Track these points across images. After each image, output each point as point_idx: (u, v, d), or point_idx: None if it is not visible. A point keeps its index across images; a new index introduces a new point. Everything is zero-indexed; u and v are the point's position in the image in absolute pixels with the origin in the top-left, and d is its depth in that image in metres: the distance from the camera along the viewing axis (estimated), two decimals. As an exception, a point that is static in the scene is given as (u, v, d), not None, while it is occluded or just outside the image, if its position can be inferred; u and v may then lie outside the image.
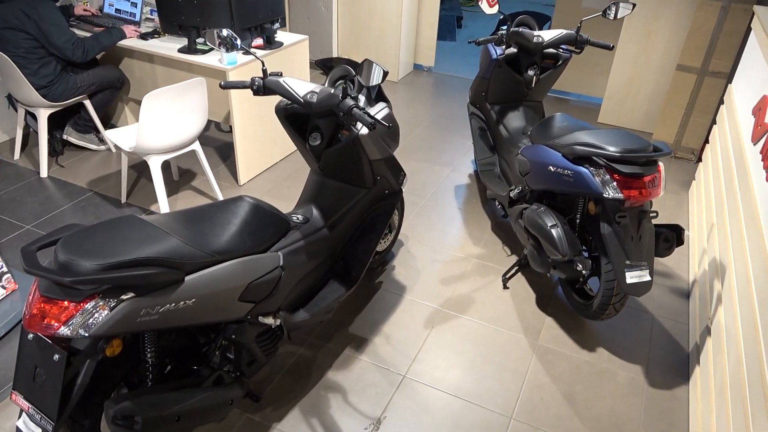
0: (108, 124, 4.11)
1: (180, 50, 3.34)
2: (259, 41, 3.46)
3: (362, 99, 2.21)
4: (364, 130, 2.10)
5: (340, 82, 2.24)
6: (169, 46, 3.42)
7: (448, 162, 3.93)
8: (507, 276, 2.85)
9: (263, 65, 2.08)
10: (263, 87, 2.09)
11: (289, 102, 2.20)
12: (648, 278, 2.21)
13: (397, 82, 5.28)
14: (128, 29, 3.50)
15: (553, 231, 2.35)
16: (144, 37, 3.51)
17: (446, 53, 6.07)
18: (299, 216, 2.23)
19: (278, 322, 1.98)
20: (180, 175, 3.62)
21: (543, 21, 2.98)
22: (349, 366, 2.34)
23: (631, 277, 2.19)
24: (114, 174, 3.58)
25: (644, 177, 2.14)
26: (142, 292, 1.49)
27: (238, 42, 2.10)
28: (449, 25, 6.43)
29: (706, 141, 4.06)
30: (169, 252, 1.56)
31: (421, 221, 3.27)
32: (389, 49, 5.13)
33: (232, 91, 3.20)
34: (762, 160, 2.20)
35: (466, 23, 7.18)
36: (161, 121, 2.81)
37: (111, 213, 3.19)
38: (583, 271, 2.40)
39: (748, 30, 3.66)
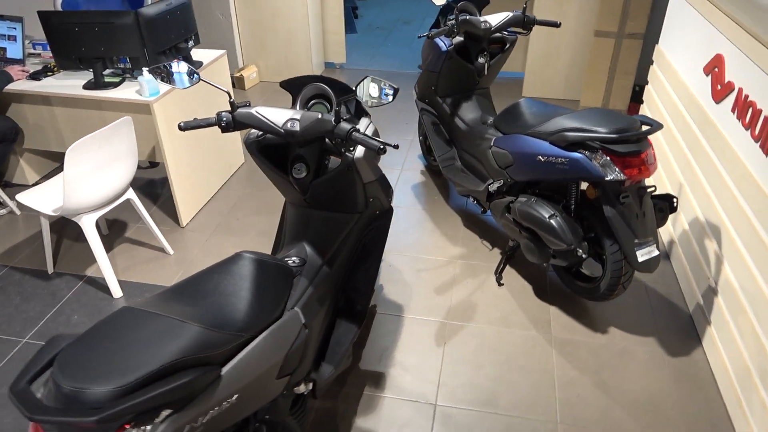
0: (1, 182, 3.52)
1: (86, 86, 2.88)
2: (176, 64, 3.08)
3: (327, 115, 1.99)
4: (359, 153, 1.89)
5: (312, 102, 2.00)
6: (69, 83, 2.95)
7: (396, 162, 3.77)
8: (499, 272, 2.77)
9: (230, 97, 1.80)
10: (233, 122, 1.80)
11: (261, 133, 1.93)
12: (656, 252, 2.20)
13: (313, 84, 5.01)
14: (13, 70, 2.98)
15: (553, 221, 2.28)
16: (35, 76, 3.00)
17: (351, 47, 5.87)
18: (294, 259, 1.98)
19: (310, 386, 1.74)
20: (109, 227, 3.17)
21: (481, 5, 2.89)
22: (375, 407, 2.14)
23: (642, 255, 2.17)
24: (27, 240, 3.06)
25: (641, 154, 2.11)
26: (180, 405, 1.21)
27: (196, 74, 1.79)
28: (347, 17, 6.22)
29: (632, 100, 4.22)
30: (194, 346, 1.28)
31: (391, 230, 3.10)
32: (300, 51, 4.85)
33: (159, 123, 2.82)
34: (737, 118, 2.25)
35: (362, 12, 7.01)
36: (90, 173, 2.40)
37: (40, 288, 2.72)
38: (583, 256, 2.36)
39: (658, -10, 3.81)
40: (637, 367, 2.30)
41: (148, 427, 1.16)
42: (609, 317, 2.53)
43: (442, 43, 2.87)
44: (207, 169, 3.32)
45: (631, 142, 2.12)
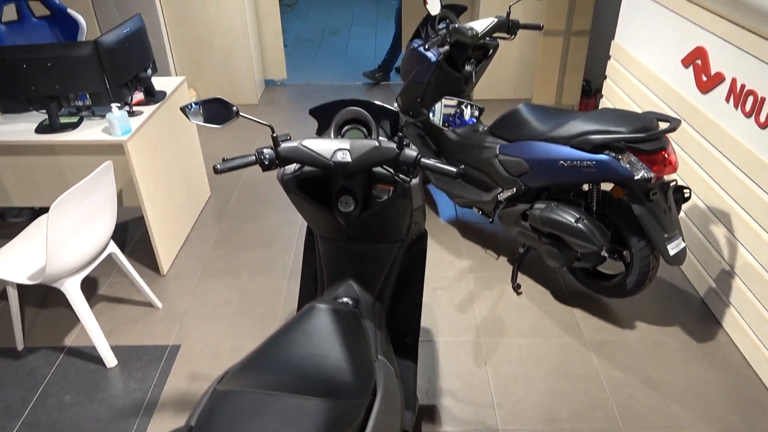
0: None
1: (39, 130, 2.52)
2: (139, 96, 2.78)
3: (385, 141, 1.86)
4: (416, 179, 1.76)
5: (347, 127, 1.86)
6: (15, 128, 2.56)
7: (370, 177, 3.64)
8: (515, 282, 2.73)
9: (273, 131, 1.61)
10: (277, 157, 1.62)
11: (297, 168, 1.76)
12: (683, 244, 2.25)
13: (258, 104, 4.76)
14: (-59, 119, 2.55)
15: (581, 225, 2.28)
16: (-30, 124, 2.58)
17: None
18: (346, 300, 1.82)
19: (404, 438, 1.60)
20: (76, 287, 2.79)
21: (458, 12, 2.86)
22: (440, 444, 2.03)
23: (672, 249, 2.22)
24: (-22, 314, 2.63)
25: (665, 150, 2.15)
26: None
27: (235, 109, 1.60)
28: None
29: (583, 95, 4.37)
30: (330, 426, 1.11)
31: (391, 250, 2.98)
32: (241, 70, 4.58)
33: (135, 164, 2.52)
34: (735, 107, 2.36)
35: (284, 26, 6.78)
36: (74, 230, 2.09)
37: (12, 369, 2.33)
38: (606, 255, 2.39)
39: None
40: (673, 358, 2.34)
41: None
42: (631, 312, 2.57)
43: (431, 53, 2.79)
44: (179, 208, 3.02)
45: (653, 139, 2.16)
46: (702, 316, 2.54)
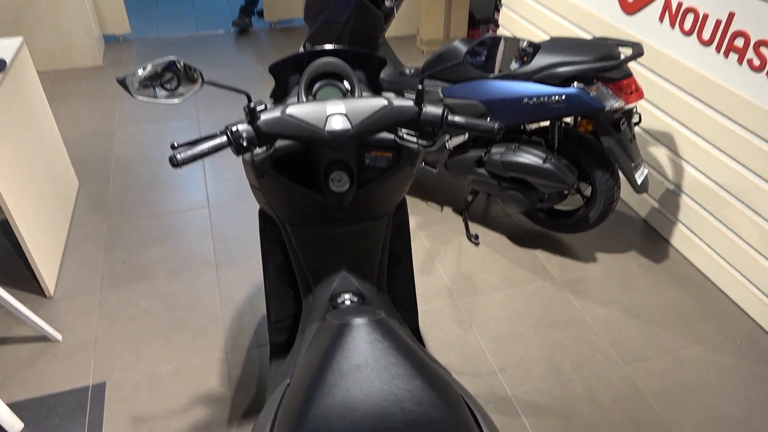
0: None
1: None
2: (-30, 67, 2.03)
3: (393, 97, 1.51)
4: (423, 141, 1.44)
5: (320, 83, 1.47)
6: None
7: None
8: (470, 233, 2.55)
9: (249, 100, 1.19)
10: (258, 134, 1.21)
11: (269, 146, 1.36)
12: (646, 171, 2.22)
13: (103, 65, 3.92)
14: None
15: (549, 165, 2.14)
16: None
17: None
18: (348, 298, 1.49)
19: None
20: (-75, 335, 2.06)
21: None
22: (459, 429, 1.82)
23: (639, 177, 2.17)
24: None
25: (631, 77, 2.05)
26: None
27: (197, 74, 1.13)
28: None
29: (470, 27, 4.23)
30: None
31: (325, 219, 2.63)
32: (74, 27, 3.70)
33: (-9, 163, 1.85)
34: (672, 26, 2.33)
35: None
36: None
37: None
38: (566, 192, 2.30)
39: None
40: (640, 284, 2.36)
41: None
42: (588, 245, 2.54)
43: (348, -13, 2.39)
44: (50, 209, 2.35)
45: (621, 67, 2.04)
46: (649, 236, 2.60)
